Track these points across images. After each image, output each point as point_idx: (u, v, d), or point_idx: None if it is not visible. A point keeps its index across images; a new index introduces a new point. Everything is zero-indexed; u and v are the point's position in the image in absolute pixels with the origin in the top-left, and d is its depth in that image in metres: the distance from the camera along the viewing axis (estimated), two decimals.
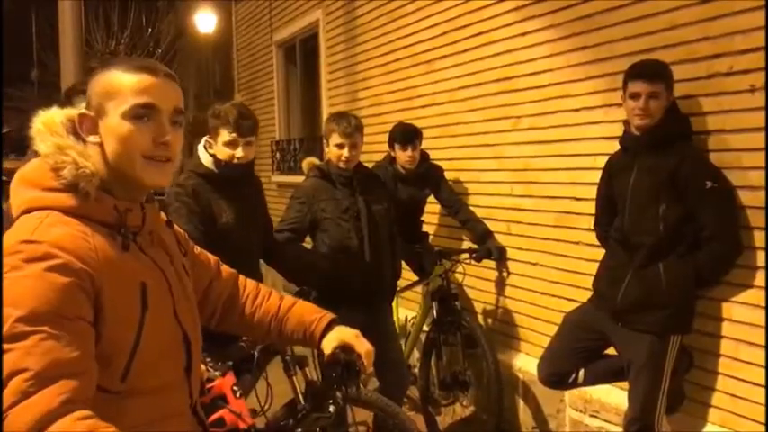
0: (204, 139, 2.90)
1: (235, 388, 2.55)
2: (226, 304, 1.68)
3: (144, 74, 1.28)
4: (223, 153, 2.82)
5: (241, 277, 1.75)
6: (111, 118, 1.27)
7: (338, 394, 1.65)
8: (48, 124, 1.29)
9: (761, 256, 2.60)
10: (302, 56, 7.42)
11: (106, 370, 1.20)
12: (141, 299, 1.26)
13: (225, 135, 2.80)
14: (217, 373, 2.43)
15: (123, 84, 1.27)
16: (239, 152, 2.81)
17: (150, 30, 15.26)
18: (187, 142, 2.93)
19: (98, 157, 1.29)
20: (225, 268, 1.72)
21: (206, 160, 2.86)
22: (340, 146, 3.27)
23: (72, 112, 1.33)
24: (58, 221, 1.20)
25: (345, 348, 1.62)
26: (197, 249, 1.66)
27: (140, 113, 1.27)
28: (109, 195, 1.27)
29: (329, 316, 1.69)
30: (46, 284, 1.12)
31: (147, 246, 1.35)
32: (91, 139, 1.28)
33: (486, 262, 4.16)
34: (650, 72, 2.67)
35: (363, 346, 1.64)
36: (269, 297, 1.71)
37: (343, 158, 3.28)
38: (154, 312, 1.27)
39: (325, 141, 3.41)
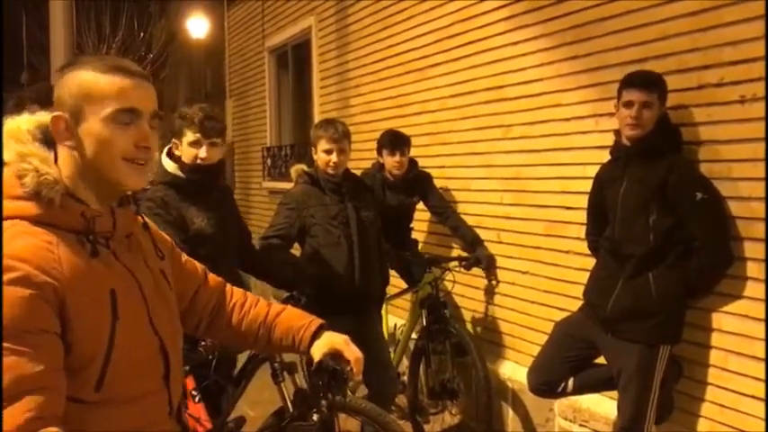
0: (168, 146, 2.90)
1: (194, 393, 2.54)
2: (213, 313, 1.66)
3: (121, 75, 1.26)
4: (188, 154, 2.82)
5: (228, 286, 1.73)
6: (91, 122, 1.24)
7: (323, 403, 1.63)
8: (12, 132, 1.27)
9: (751, 266, 2.61)
10: (294, 62, 7.42)
11: (79, 380, 1.18)
12: (111, 307, 1.23)
13: (189, 135, 2.81)
14: None
15: (102, 86, 1.24)
16: (202, 152, 2.81)
17: (142, 34, 15.19)
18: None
19: (71, 162, 1.26)
20: (212, 277, 1.70)
21: (171, 167, 2.85)
22: (328, 151, 3.28)
23: (44, 117, 1.30)
24: (22, 232, 1.17)
25: (334, 355, 1.60)
26: (183, 257, 1.63)
27: (123, 118, 1.25)
28: (77, 202, 1.25)
29: (318, 321, 1.67)
30: (6, 298, 1.10)
31: (122, 251, 1.32)
32: (67, 143, 1.25)
33: (475, 270, 4.15)
34: (645, 81, 2.69)
35: (353, 352, 1.61)
36: (257, 304, 1.69)
37: (331, 164, 3.28)
38: (126, 320, 1.25)
39: (312, 148, 3.41)
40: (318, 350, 1.61)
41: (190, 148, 2.81)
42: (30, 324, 1.11)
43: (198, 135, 2.80)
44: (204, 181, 2.87)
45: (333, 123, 3.37)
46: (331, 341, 1.63)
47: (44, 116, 1.31)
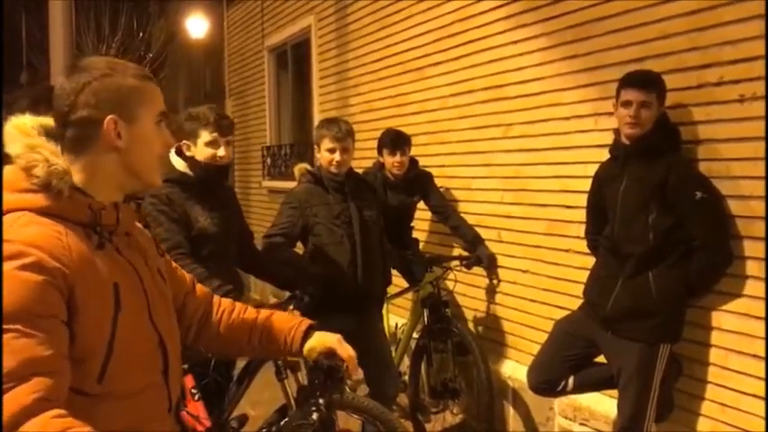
0: (176, 145, 2.92)
1: (193, 391, 2.55)
2: (201, 321, 1.67)
3: (153, 82, 1.38)
4: (204, 154, 2.85)
5: (216, 297, 1.74)
6: (143, 124, 1.34)
7: (321, 401, 1.66)
8: (19, 126, 1.30)
9: (750, 264, 2.62)
10: (294, 61, 7.42)
11: (82, 371, 1.20)
12: (114, 299, 1.26)
13: (206, 135, 2.84)
14: None
15: (150, 91, 1.36)
16: (221, 151, 2.86)
17: (141, 34, 15.18)
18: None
19: (105, 161, 1.30)
20: (200, 287, 1.72)
21: (180, 165, 2.88)
22: (331, 150, 3.28)
23: (45, 120, 1.33)
24: (31, 221, 1.20)
25: (328, 354, 1.63)
26: (173, 264, 1.66)
27: (160, 120, 1.37)
28: (83, 195, 1.28)
29: (307, 322, 1.69)
30: (19, 283, 1.12)
31: (123, 247, 1.35)
32: (117, 143, 1.30)
33: (476, 269, 4.16)
34: (643, 81, 2.70)
35: (346, 350, 1.64)
36: (245, 311, 1.71)
37: (334, 163, 3.28)
38: (127, 314, 1.27)
39: (315, 147, 3.41)
40: (312, 349, 1.64)
41: (206, 148, 2.85)
42: (41, 309, 1.13)
43: (215, 134, 2.84)
44: (215, 179, 2.91)
45: (336, 122, 3.37)
46: (324, 340, 1.65)
47: (45, 119, 1.34)
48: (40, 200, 1.23)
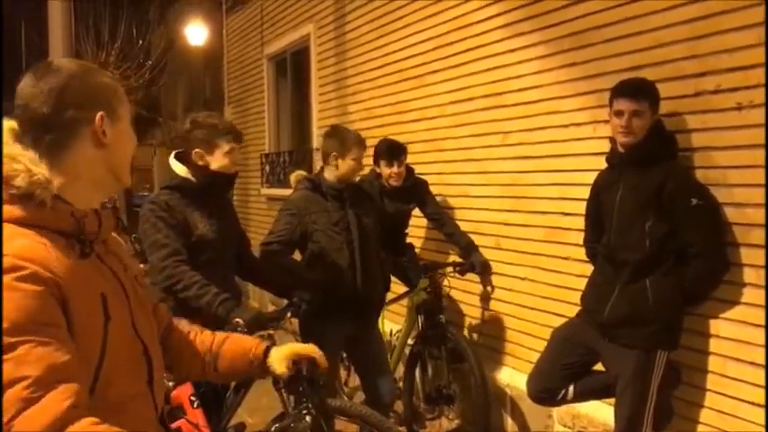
0: (176, 151, 2.92)
1: (192, 398, 2.54)
2: (162, 335, 1.63)
3: (118, 82, 1.38)
4: (222, 162, 2.85)
5: (174, 319, 1.73)
6: (123, 122, 1.33)
7: (310, 405, 1.70)
8: None
9: (748, 272, 2.62)
10: (293, 69, 7.44)
11: None
12: (103, 309, 1.24)
13: (225, 146, 2.85)
14: (170, 384, 2.40)
15: (121, 90, 1.36)
16: (239, 159, 2.92)
17: (141, 41, 15.20)
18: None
19: (86, 160, 1.27)
20: (159, 305, 1.70)
21: (182, 171, 2.86)
22: (358, 160, 3.36)
23: (12, 123, 1.27)
24: (15, 233, 1.16)
25: (296, 360, 1.66)
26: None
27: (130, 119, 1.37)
28: (63, 203, 1.24)
29: (265, 343, 1.70)
30: (20, 294, 1.10)
31: (103, 254, 1.33)
32: (104, 140, 1.29)
33: (474, 276, 4.16)
34: (635, 90, 2.71)
35: (310, 349, 1.68)
36: (201, 333, 1.70)
37: (360, 172, 3.39)
38: (115, 323, 1.25)
39: (334, 154, 3.35)
40: (279, 359, 1.65)
41: (225, 158, 2.85)
42: (47, 318, 1.12)
43: (233, 144, 2.86)
44: (223, 187, 2.94)
45: (354, 132, 3.47)
46: (290, 348, 1.68)
47: (11, 122, 1.28)
48: (17, 211, 1.18)
